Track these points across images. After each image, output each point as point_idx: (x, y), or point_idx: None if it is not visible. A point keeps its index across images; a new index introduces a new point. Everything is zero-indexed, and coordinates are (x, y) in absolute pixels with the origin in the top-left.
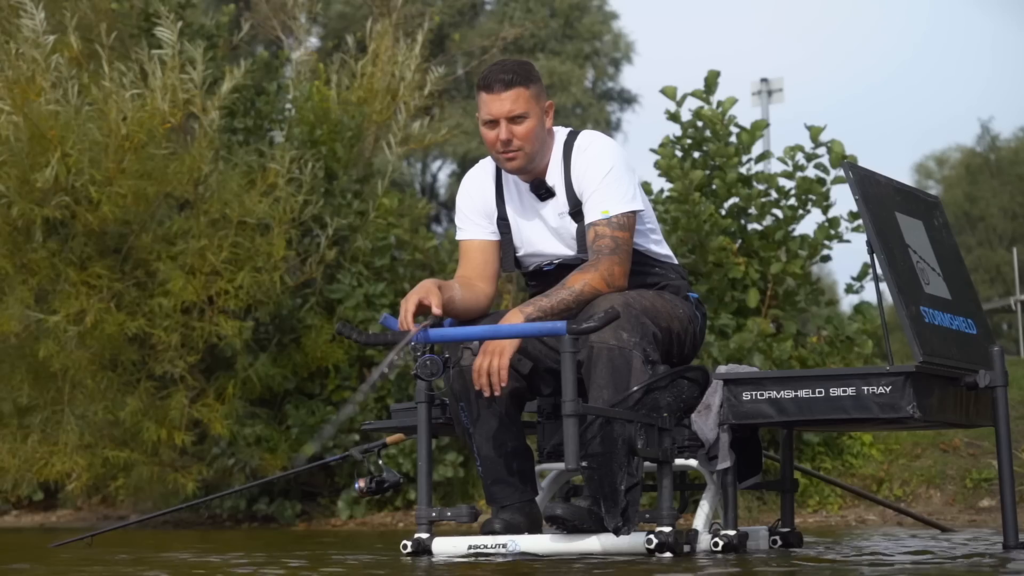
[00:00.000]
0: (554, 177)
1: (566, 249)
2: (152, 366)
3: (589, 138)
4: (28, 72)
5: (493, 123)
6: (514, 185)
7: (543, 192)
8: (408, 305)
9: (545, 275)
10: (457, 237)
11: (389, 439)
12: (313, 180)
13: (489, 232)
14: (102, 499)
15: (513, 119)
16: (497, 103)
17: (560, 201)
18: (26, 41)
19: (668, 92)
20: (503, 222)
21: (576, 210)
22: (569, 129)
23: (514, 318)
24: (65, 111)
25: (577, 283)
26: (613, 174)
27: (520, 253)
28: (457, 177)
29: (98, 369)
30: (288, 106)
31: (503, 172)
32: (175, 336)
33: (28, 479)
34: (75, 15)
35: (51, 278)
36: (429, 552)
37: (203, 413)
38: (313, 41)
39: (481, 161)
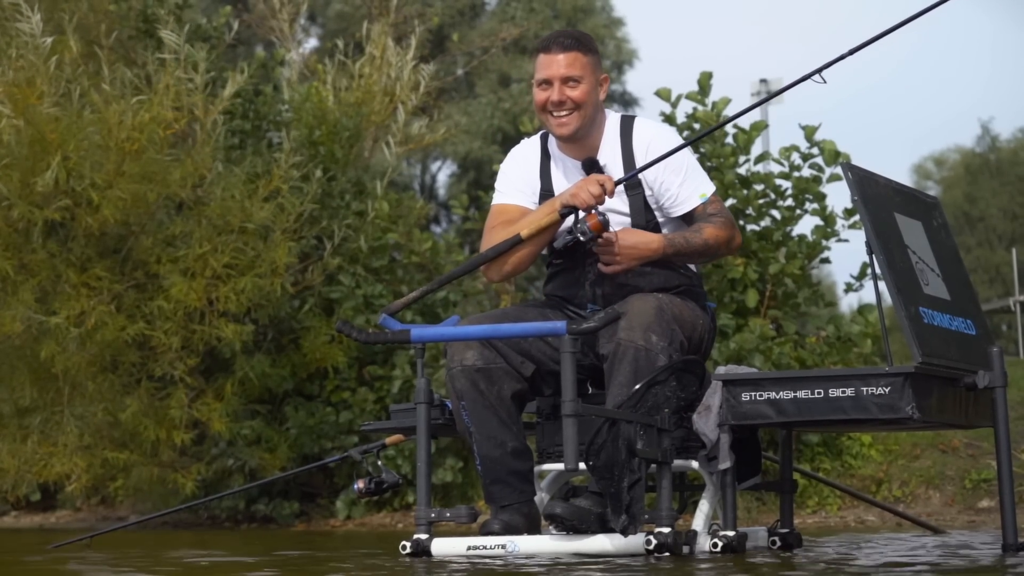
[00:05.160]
0: (607, 156)
1: (614, 228)
2: (151, 367)
3: (655, 127)
4: (28, 74)
5: (547, 84)
6: (562, 163)
7: (596, 171)
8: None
9: (572, 252)
10: (496, 200)
11: (388, 440)
12: (317, 184)
13: (530, 202)
14: (101, 500)
15: (567, 81)
16: (554, 64)
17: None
18: (25, 44)
19: (663, 94)
20: (548, 196)
21: (635, 192)
22: (620, 113)
23: (657, 243)
24: (66, 114)
25: (711, 236)
26: (692, 160)
27: (561, 228)
28: (457, 178)
29: (98, 371)
30: (285, 107)
31: (551, 149)
32: (176, 339)
33: (27, 480)
34: (74, 16)
35: (51, 279)
36: (428, 553)
37: (202, 412)
38: (312, 42)
39: (527, 139)
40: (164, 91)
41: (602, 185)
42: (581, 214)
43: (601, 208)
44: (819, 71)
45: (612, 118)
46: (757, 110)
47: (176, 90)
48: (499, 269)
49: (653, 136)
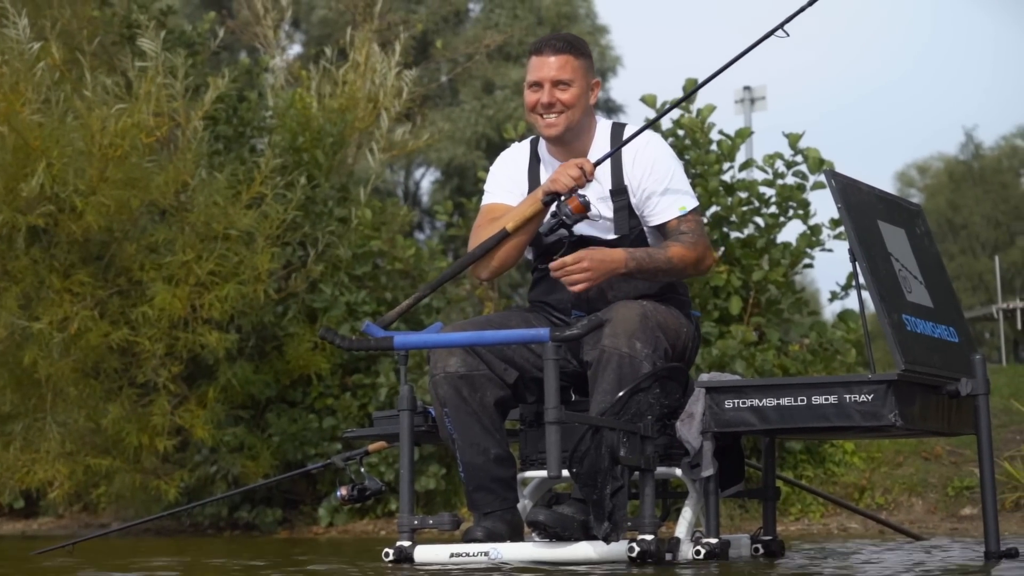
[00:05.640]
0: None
1: (598, 232)
2: (134, 373)
3: (646, 135)
4: (12, 80)
5: (538, 86)
6: (551, 166)
7: None
8: (586, 167)
9: (557, 255)
10: (484, 201)
11: (371, 447)
12: (301, 191)
13: (518, 202)
14: (84, 507)
15: (558, 84)
16: (545, 66)
17: (602, 187)
18: (11, 50)
19: (648, 100)
20: None
21: (620, 199)
22: (612, 120)
23: (620, 255)
24: (49, 121)
25: (675, 255)
26: (679, 172)
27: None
28: (441, 184)
29: (81, 377)
30: (269, 113)
31: (540, 153)
32: (160, 346)
33: (10, 487)
34: (57, 22)
35: (35, 285)
36: (411, 560)
37: (185, 419)
38: (295, 48)
39: (517, 143)
40: (145, 97)
41: (581, 168)
42: (563, 199)
43: (589, 212)
44: (781, 26)
45: (603, 124)
46: (742, 116)
47: (157, 96)
48: (487, 265)
49: (643, 144)
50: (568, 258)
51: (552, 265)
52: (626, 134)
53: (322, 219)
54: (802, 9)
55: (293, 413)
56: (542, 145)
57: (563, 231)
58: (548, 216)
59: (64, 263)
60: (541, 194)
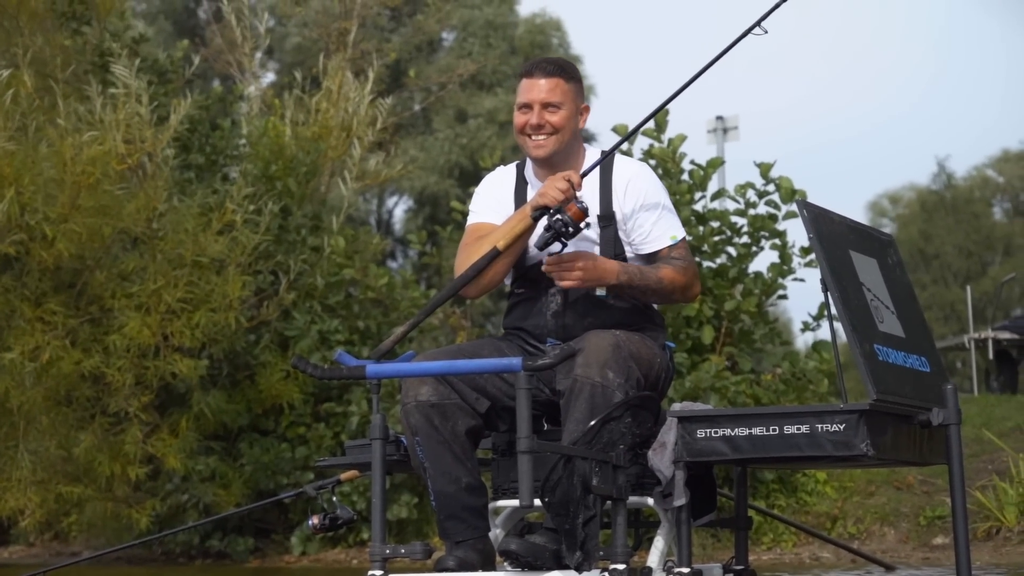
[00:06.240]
0: (584, 188)
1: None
2: (106, 402)
3: (636, 164)
4: None
5: (527, 107)
6: (537, 189)
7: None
8: (574, 179)
9: (535, 282)
10: (470, 221)
11: (343, 476)
12: (271, 219)
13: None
14: (55, 535)
15: (547, 106)
16: (535, 88)
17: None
18: None
19: (620, 131)
20: None
21: (607, 224)
22: (600, 150)
23: (613, 266)
24: (21, 149)
25: (665, 276)
26: (669, 203)
27: (530, 253)
28: (414, 213)
29: (52, 405)
30: (242, 141)
31: (527, 176)
32: (129, 376)
33: None
34: (29, 50)
35: (5, 314)
36: None
37: (157, 448)
38: (269, 76)
39: (504, 166)
40: (114, 125)
41: (568, 180)
42: (554, 211)
43: (587, 218)
44: (758, 23)
45: (592, 152)
46: (714, 146)
47: (127, 123)
48: (476, 284)
49: (633, 173)
50: (565, 254)
51: (548, 260)
52: (616, 162)
53: (295, 248)
54: (777, 5)
55: (265, 442)
56: (528, 168)
57: (558, 244)
58: (541, 230)
59: (35, 292)
60: (530, 209)
